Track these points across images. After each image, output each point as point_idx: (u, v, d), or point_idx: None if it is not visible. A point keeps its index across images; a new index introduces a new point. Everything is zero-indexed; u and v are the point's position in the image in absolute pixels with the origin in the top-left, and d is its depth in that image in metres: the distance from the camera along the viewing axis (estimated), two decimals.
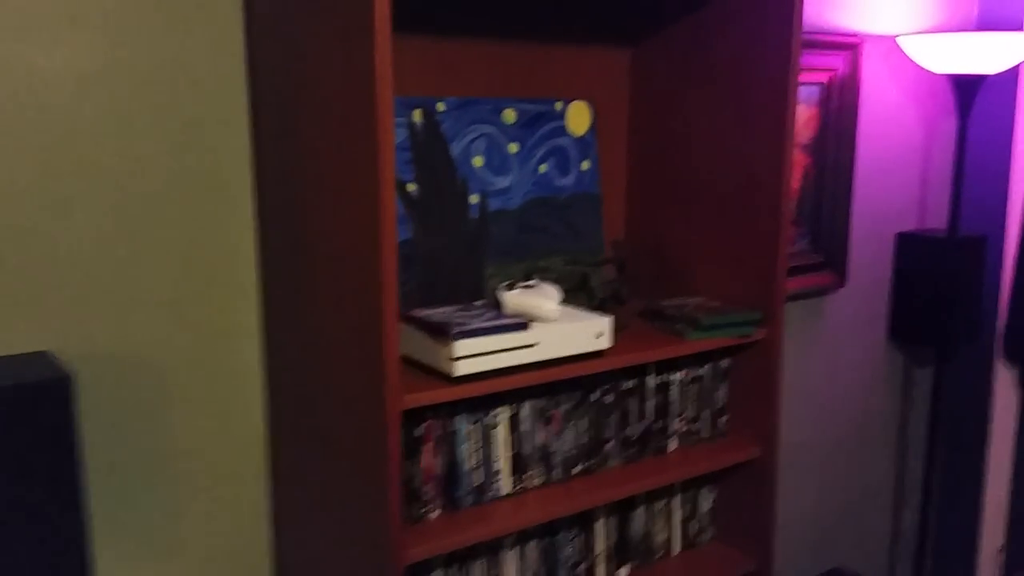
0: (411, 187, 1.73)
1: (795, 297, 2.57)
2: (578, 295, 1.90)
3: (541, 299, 1.59)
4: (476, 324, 1.48)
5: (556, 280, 1.90)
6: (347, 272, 1.41)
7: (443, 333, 1.46)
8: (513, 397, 1.64)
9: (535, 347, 1.54)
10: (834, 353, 2.72)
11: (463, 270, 1.80)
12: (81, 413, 1.57)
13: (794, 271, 2.48)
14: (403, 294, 1.72)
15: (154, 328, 1.62)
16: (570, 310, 1.67)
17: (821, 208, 2.51)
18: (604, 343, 1.63)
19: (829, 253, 2.56)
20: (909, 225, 2.83)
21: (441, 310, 1.59)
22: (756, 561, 1.94)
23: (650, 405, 1.83)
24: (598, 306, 1.86)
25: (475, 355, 1.47)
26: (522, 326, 1.51)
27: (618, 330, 1.82)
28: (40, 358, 1.47)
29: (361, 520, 1.46)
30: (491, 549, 1.69)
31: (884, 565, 3.07)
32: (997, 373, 2.89)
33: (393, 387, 1.35)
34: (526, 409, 1.66)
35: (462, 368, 1.45)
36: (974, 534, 3.04)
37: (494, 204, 1.84)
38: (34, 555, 1.38)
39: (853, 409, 2.82)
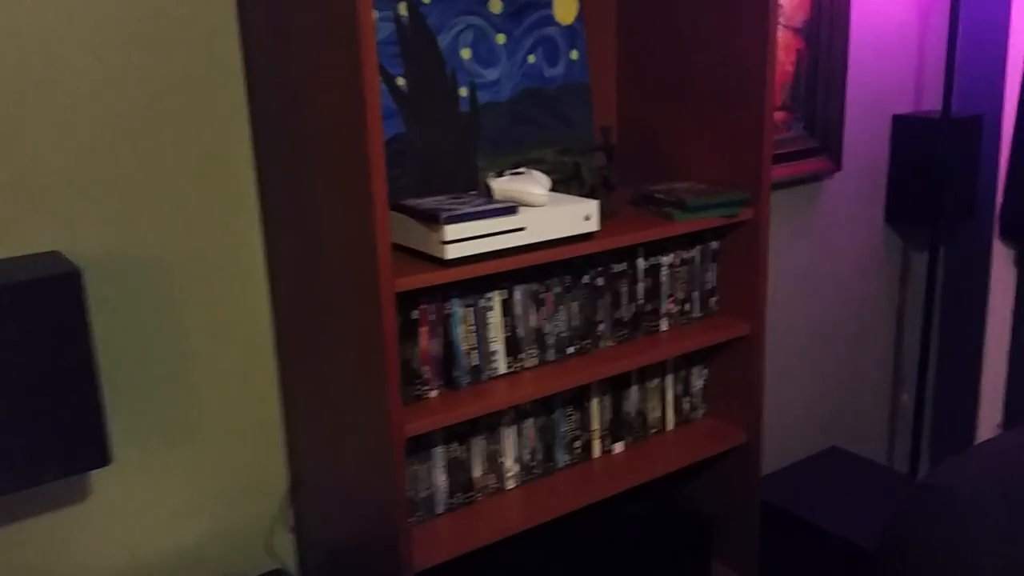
0: (400, 81, 1.76)
1: (790, 183, 2.59)
2: (571, 184, 1.94)
3: (529, 184, 1.63)
4: (465, 209, 1.53)
5: (549, 171, 1.94)
6: (338, 163, 1.46)
7: (433, 218, 1.51)
8: (505, 281, 1.70)
9: (524, 231, 1.59)
10: (831, 237, 2.76)
11: (456, 163, 1.84)
12: (92, 309, 1.65)
13: (788, 157, 2.50)
14: (398, 188, 1.77)
15: (158, 229, 1.69)
16: (558, 195, 1.72)
17: (815, 93, 2.52)
18: (592, 226, 1.68)
19: (824, 138, 2.58)
20: (905, 107, 2.84)
21: (432, 199, 1.65)
22: (747, 434, 2.02)
23: (641, 287, 1.89)
24: (589, 193, 1.91)
25: (465, 239, 1.52)
26: (510, 210, 1.57)
27: (608, 216, 1.87)
28: (51, 257, 1.55)
29: (363, 397, 1.55)
30: (489, 427, 1.78)
31: (883, 445, 3.16)
32: (994, 252, 2.93)
33: (386, 269, 1.41)
34: (518, 293, 1.72)
35: (453, 252, 1.51)
36: (973, 412, 3.12)
37: (484, 96, 1.87)
38: (55, 437, 1.48)
39: (851, 292, 2.87)
